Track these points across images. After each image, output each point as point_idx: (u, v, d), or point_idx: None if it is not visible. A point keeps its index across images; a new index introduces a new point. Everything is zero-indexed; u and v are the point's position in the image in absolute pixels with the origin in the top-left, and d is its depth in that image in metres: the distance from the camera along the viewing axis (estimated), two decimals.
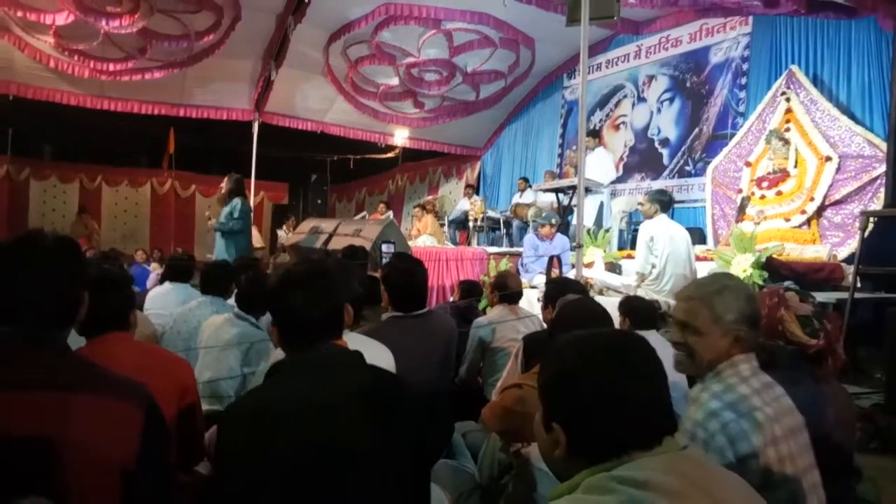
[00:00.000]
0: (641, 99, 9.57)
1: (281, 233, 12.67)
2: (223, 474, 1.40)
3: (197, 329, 3.38)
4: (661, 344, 3.26)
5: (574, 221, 5.62)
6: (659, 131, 9.21)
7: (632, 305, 3.60)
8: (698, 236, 7.23)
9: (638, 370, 1.06)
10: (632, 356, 1.08)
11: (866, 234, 4.97)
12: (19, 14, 7.71)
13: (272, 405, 1.37)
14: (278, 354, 2.20)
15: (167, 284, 4.64)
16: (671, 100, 9.07)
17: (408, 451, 1.44)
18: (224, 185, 6.62)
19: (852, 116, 6.50)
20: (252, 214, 6.39)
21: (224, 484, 1.40)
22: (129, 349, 1.98)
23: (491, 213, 10.23)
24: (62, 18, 7.75)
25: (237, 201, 6.49)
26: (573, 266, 4.76)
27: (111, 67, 8.85)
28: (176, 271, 4.66)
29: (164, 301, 4.40)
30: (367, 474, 1.35)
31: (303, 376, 1.44)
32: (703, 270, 5.45)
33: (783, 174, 6.70)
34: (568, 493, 1.02)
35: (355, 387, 1.43)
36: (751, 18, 7.89)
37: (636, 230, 6.43)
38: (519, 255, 7.33)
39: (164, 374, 1.99)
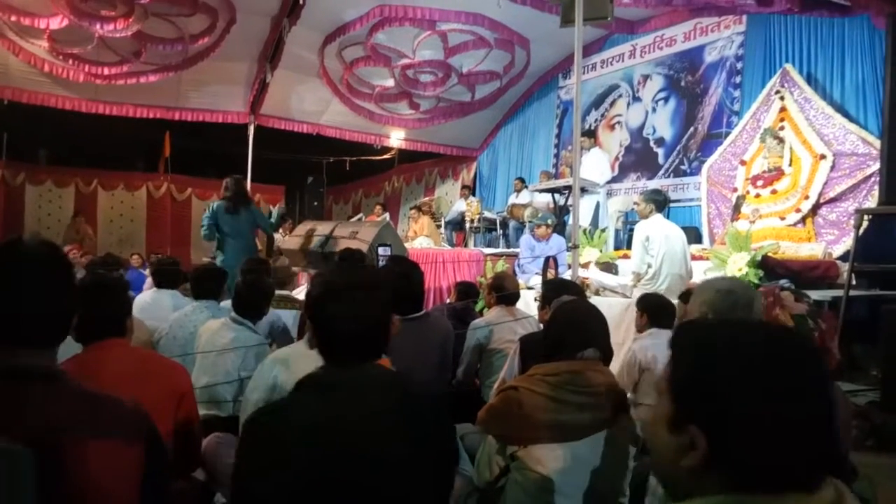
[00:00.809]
0: (636, 98, 9.59)
1: (277, 236, 12.65)
2: (238, 489, 1.33)
3: (193, 334, 3.38)
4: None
5: (570, 222, 5.63)
6: (654, 131, 9.23)
7: (651, 302, 3.58)
8: (694, 235, 7.25)
9: (821, 385, 0.83)
10: (816, 366, 0.85)
11: (861, 231, 4.99)
12: (13, 18, 7.70)
13: (294, 430, 1.30)
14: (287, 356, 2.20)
15: (152, 291, 4.58)
16: (666, 99, 9.08)
17: (431, 484, 1.39)
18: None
19: (846, 114, 6.52)
20: (226, 213, 6.12)
21: (239, 498, 1.34)
22: (125, 356, 1.98)
23: (487, 214, 10.24)
24: (56, 23, 7.74)
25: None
26: (569, 266, 4.77)
27: (106, 71, 8.84)
28: (164, 277, 4.61)
29: (152, 309, 4.30)
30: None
31: (331, 399, 1.35)
32: (698, 269, 5.47)
33: (778, 172, 6.72)
34: None
35: (386, 416, 1.35)
36: (744, 17, 7.91)
37: (632, 230, 6.45)
38: (515, 255, 7.34)
39: (160, 380, 1.99)
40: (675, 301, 4.34)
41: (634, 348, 3.29)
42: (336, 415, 1.32)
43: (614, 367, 2.58)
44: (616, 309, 4.96)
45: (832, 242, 6.16)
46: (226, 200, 6.14)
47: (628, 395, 3.18)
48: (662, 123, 9.11)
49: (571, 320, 2.20)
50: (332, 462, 1.27)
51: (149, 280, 8.91)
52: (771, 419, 0.79)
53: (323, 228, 6.97)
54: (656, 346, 3.23)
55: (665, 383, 0.91)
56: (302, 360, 2.09)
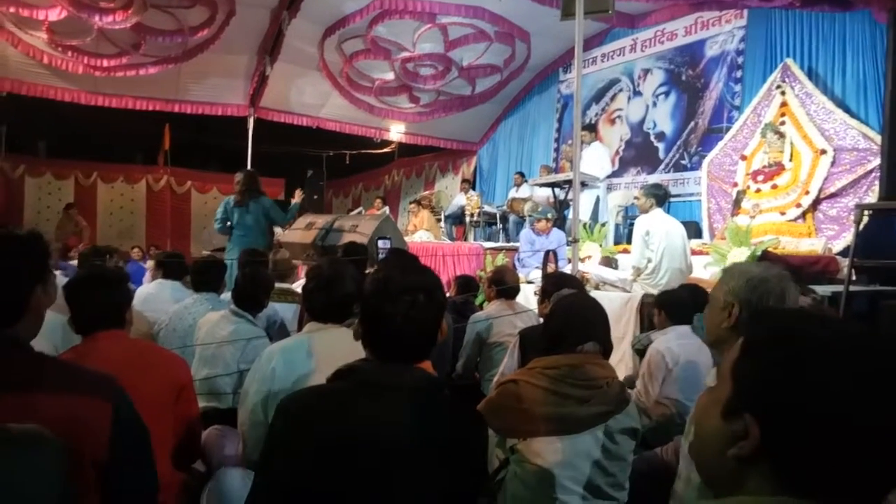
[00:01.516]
0: (637, 93, 9.57)
1: (278, 230, 12.63)
2: (268, 467, 1.36)
3: (192, 327, 3.37)
4: (697, 341, 3.23)
5: (570, 216, 5.62)
6: (655, 125, 9.21)
7: (669, 299, 3.53)
8: (694, 230, 7.25)
9: None
10: None
11: (861, 227, 4.98)
12: (12, 10, 7.67)
13: (330, 422, 1.32)
14: (284, 348, 2.20)
15: (156, 282, 4.58)
16: (667, 93, 9.07)
17: (458, 484, 1.38)
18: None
19: (847, 109, 6.51)
20: (235, 206, 6.26)
21: (266, 477, 1.36)
22: (124, 347, 1.97)
23: (487, 208, 10.23)
24: (55, 14, 7.71)
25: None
26: (569, 260, 4.76)
27: (105, 63, 8.82)
28: (169, 268, 4.63)
29: (153, 300, 4.29)
30: None
31: (372, 397, 1.34)
32: (698, 264, 5.47)
33: (778, 167, 6.71)
34: None
35: (421, 426, 1.34)
36: (746, 12, 7.88)
37: (632, 224, 6.45)
38: (515, 250, 7.33)
39: (160, 371, 1.99)
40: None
41: (660, 349, 3.15)
42: (378, 414, 1.32)
43: (615, 360, 2.58)
44: (616, 303, 4.96)
45: (832, 238, 6.16)
46: (236, 194, 6.23)
47: (651, 391, 3.13)
48: (663, 118, 9.09)
49: (571, 314, 2.20)
50: (368, 457, 1.28)
51: (149, 273, 8.94)
52: (846, 437, 0.71)
53: (323, 221, 6.97)
54: (681, 345, 3.18)
55: (729, 366, 0.85)
56: (299, 352, 2.09)
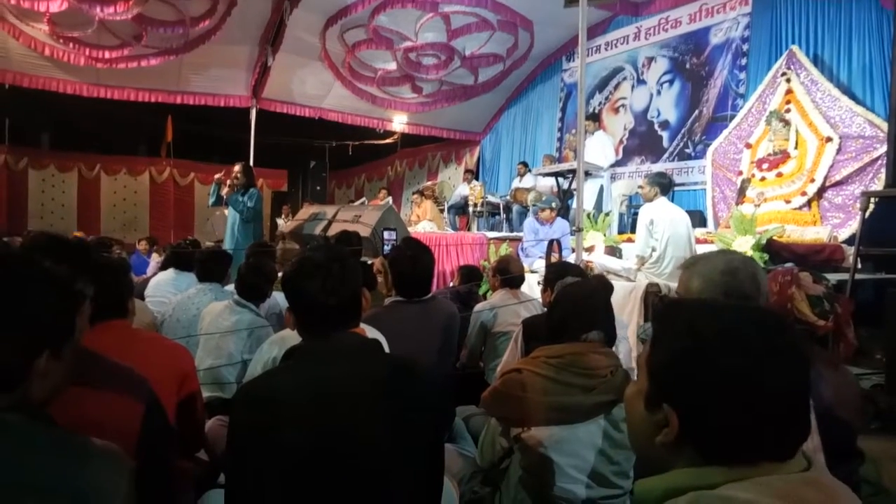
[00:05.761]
0: (641, 81, 9.51)
1: (280, 221, 12.64)
2: (234, 457, 1.39)
3: (196, 317, 3.38)
4: None
5: (574, 205, 5.60)
6: (659, 114, 9.16)
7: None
8: (699, 219, 7.22)
9: (791, 363, 0.85)
10: (787, 345, 0.86)
11: (867, 214, 4.95)
12: (13, 2, 7.64)
13: (284, 391, 1.37)
14: (286, 336, 2.20)
15: (171, 272, 4.63)
16: (671, 82, 9.01)
17: (421, 439, 1.44)
18: (241, 173, 6.59)
19: (853, 96, 6.46)
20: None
21: (234, 467, 1.39)
22: (127, 337, 1.96)
23: (490, 198, 10.22)
24: (56, 6, 7.67)
25: (255, 190, 6.63)
26: (573, 250, 4.75)
27: (107, 55, 8.79)
28: (182, 259, 4.66)
29: (167, 289, 4.43)
30: (378, 462, 1.35)
31: (317, 363, 1.44)
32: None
33: (783, 155, 6.68)
34: (664, 498, 0.85)
35: (369, 375, 1.43)
36: None
37: (636, 214, 6.42)
38: (519, 239, 7.32)
39: (163, 361, 1.98)
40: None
41: None
42: (323, 375, 1.39)
43: (619, 349, 2.56)
44: (620, 292, 4.92)
45: (838, 226, 6.12)
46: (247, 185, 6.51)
47: None
48: (667, 106, 9.04)
49: (575, 303, 2.18)
50: (322, 418, 1.33)
51: (152, 264, 8.97)
52: (752, 410, 0.82)
53: (325, 212, 6.98)
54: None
55: (645, 360, 0.93)
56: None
